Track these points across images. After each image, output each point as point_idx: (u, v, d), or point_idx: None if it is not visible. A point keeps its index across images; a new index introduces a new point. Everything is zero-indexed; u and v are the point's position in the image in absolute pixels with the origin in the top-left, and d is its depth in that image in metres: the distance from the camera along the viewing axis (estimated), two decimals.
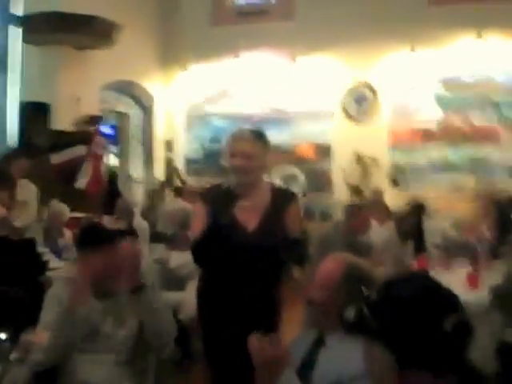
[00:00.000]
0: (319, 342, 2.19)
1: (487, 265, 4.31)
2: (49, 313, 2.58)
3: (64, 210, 6.27)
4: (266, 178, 3.07)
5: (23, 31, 8.67)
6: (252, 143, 2.88)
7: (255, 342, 1.87)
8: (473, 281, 3.96)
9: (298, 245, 2.89)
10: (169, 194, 9.88)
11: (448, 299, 1.45)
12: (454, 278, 4.23)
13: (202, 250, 2.89)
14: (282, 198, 2.91)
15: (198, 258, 2.95)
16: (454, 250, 5.11)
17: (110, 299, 2.58)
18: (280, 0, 11.05)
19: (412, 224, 4.95)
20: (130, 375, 2.55)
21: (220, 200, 2.89)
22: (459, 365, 1.41)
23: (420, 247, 4.84)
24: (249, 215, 2.85)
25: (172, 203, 8.59)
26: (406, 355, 1.38)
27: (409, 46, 9.53)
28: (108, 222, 4.49)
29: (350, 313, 1.56)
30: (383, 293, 1.48)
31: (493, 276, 3.85)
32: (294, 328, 5.08)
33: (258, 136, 2.93)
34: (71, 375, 2.48)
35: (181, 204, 7.71)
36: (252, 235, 2.84)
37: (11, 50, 9.09)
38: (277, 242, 2.78)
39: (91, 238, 2.60)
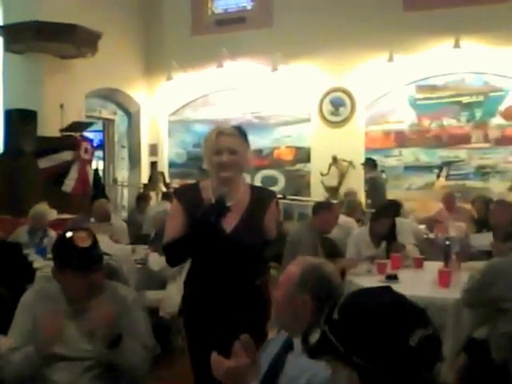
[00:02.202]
0: (288, 346, 2.07)
1: (459, 264, 4.24)
2: (19, 322, 2.45)
3: (47, 211, 6.20)
4: (245, 176, 2.95)
5: (4, 40, 8.60)
6: (237, 139, 2.74)
7: (215, 358, 1.84)
8: (444, 280, 3.90)
9: (276, 243, 2.83)
10: (153, 197, 9.83)
11: (414, 314, 1.35)
12: (427, 277, 4.18)
13: (173, 252, 2.76)
14: (261, 197, 2.78)
15: (169, 258, 2.83)
16: (427, 250, 5.07)
17: (83, 315, 2.42)
18: (256, 7, 11.07)
19: (386, 224, 4.87)
20: (103, 375, 2.41)
21: (197, 199, 2.76)
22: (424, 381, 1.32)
23: (393, 247, 4.76)
24: (228, 214, 2.67)
25: (157, 206, 8.52)
26: (371, 372, 1.29)
27: (385, 52, 9.54)
28: (95, 228, 4.33)
29: (314, 336, 1.45)
30: (346, 311, 1.38)
31: (464, 275, 3.78)
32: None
33: (241, 132, 2.78)
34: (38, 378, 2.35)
35: (164, 206, 7.65)
36: (230, 235, 2.70)
37: None
38: (254, 242, 2.67)
39: (65, 260, 2.42)
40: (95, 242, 2.41)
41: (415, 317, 1.34)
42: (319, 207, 4.78)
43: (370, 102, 9.98)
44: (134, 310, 2.52)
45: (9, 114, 8.47)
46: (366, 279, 4.23)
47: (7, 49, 8.65)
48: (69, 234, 2.40)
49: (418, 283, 4.16)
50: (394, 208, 5.33)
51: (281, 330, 2.20)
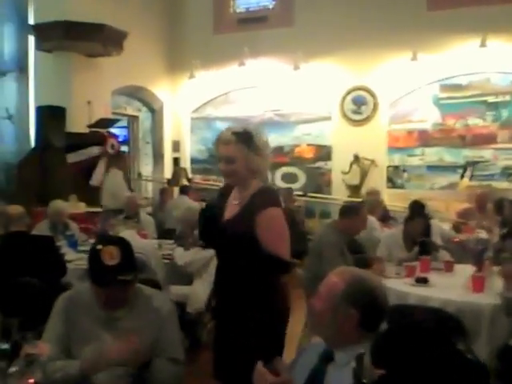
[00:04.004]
0: (327, 357, 1.99)
1: (491, 268, 4.10)
2: (52, 328, 2.36)
3: (64, 206, 6.31)
4: (259, 178, 2.77)
5: (36, 39, 8.70)
6: (233, 146, 2.63)
7: (261, 370, 1.80)
8: (478, 285, 3.77)
9: (279, 263, 2.62)
10: (175, 192, 9.86)
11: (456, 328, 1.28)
12: (458, 281, 4.06)
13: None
14: (255, 204, 2.66)
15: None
16: (454, 252, 4.94)
17: (116, 323, 2.35)
18: (278, 6, 10.92)
19: (420, 225, 4.73)
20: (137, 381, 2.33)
21: (225, 195, 2.85)
22: None
23: (425, 250, 4.62)
24: (231, 210, 2.75)
25: (178, 200, 8.51)
26: None
27: (409, 51, 9.37)
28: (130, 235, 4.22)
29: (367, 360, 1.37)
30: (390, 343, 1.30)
31: (497, 280, 3.66)
32: (295, 320, 4.98)
33: (241, 138, 2.64)
34: None
35: (187, 202, 7.68)
36: (225, 223, 2.73)
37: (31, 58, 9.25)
38: (239, 235, 2.63)
39: (90, 272, 2.34)
40: (125, 259, 2.27)
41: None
42: (347, 210, 4.63)
43: (393, 101, 9.81)
44: (168, 323, 2.42)
45: (40, 110, 8.57)
46: (396, 282, 4.13)
47: (38, 47, 8.75)
48: (98, 247, 2.29)
49: (449, 287, 4.03)
50: (423, 208, 5.20)
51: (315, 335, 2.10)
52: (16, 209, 4.68)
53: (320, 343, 2.05)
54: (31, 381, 1.79)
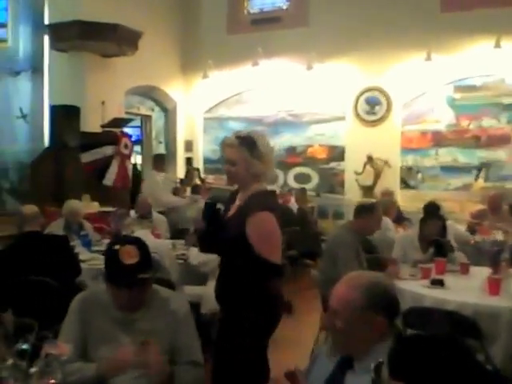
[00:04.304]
0: (346, 365, 1.94)
1: (507, 270, 4.05)
2: (68, 330, 2.33)
3: (79, 206, 6.30)
4: (263, 182, 2.87)
5: (50, 39, 8.72)
6: (236, 149, 2.76)
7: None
8: (494, 287, 3.72)
9: (268, 266, 2.68)
10: (188, 191, 9.86)
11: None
12: (474, 284, 4.01)
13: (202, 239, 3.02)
14: (248, 206, 2.76)
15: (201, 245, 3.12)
16: (470, 254, 4.88)
17: (134, 324, 2.33)
18: (292, 7, 10.89)
19: (436, 226, 4.68)
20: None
21: (235, 195, 2.96)
22: None
23: (439, 251, 4.57)
24: (232, 210, 2.89)
25: (188, 199, 8.54)
26: None
27: (423, 51, 9.29)
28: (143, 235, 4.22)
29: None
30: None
31: None
32: (310, 322, 4.96)
33: (244, 142, 2.75)
34: None
35: (200, 202, 7.67)
36: (225, 222, 2.86)
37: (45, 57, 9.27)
38: (236, 237, 2.72)
39: (109, 273, 2.32)
40: (143, 258, 2.25)
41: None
42: (362, 209, 4.60)
43: (406, 102, 9.74)
44: (185, 326, 2.40)
45: (54, 109, 8.58)
46: (411, 284, 4.09)
47: (52, 47, 8.77)
48: (116, 247, 2.26)
49: (465, 289, 3.97)
50: (438, 209, 5.15)
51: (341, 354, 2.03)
52: (30, 208, 4.67)
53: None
54: (52, 381, 1.78)
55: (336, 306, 1.90)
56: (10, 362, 1.82)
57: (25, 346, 1.84)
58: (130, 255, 2.21)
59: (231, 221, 2.83)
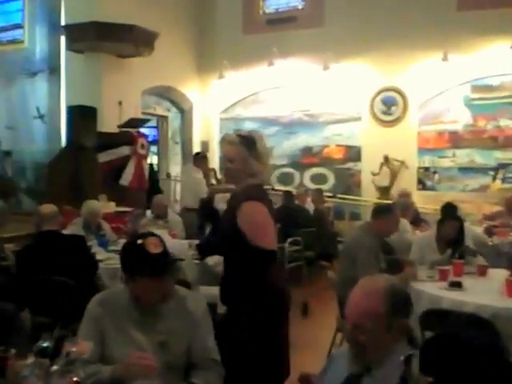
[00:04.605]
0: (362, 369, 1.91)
1: None
2: (85, 332, 2.32)
3: (99, 207, 6.30)
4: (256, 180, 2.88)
5: (67, 40, 8.76)
6: (234, 147, 2.81)
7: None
8: None
9: (262, 253, 2.72)
10: None
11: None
12: (492, 286, 3.98)
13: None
14: (236, 200, 2.82)
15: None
16: (490, 256, 4.85)
17: (153, 326, 2.35)
18: (307, 7, 10.88)
19: (453, 227, 4.64)
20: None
21: None
22: None
23: (458, 251, 4.53)
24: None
25: None
26: None
27: (439, 51, 9.26)
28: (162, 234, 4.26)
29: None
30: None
31: None
32: (326, 324, 4.95)
33: (244, 141, 2.80)
34: None
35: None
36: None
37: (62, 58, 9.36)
38: (228, 229, 2.78)
39: (138, 267, 2.34)
40: (166, 248, 2.31)
41: None
42: (381, 210, 4.58)
43: (423, 102, 9.71)
44: (203, 325, 2.41)
45: (71, 110, 8.62)
46: (429, 285, 4.07)
47: (69, 48, 8.80)
48: (139, 241, 2.29)
49: (483, 292, 3.93)
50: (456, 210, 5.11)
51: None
52: (49, 208, 4.71)
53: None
54: (75, 379, 1.80)
55: (356, 320, 1.85)
56: (31, 360, 1.84)
57: (46, 344, 1.86)
58: (155, 245, 2.26)
59: (223, 215, 2.92)
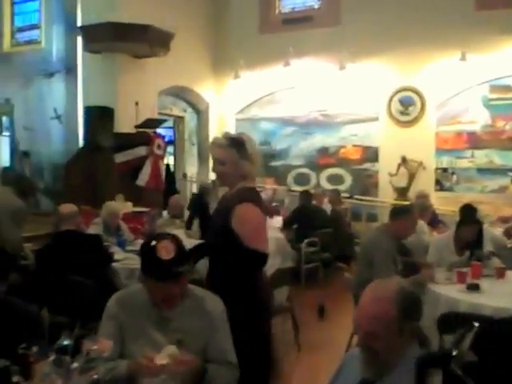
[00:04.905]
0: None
1: None
2: (104, 330, 2.36)
3: (118, 208, 6.35)
4: (249, 182, 2.93)
5: (83, 40, 8.85)
6: (224, 150, 2.85)
7: None
8: None
9: (255, 255, 2.76)
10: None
11: None
12: (511, 289, 3.96)
13: None
14: (231, 200, 2.85)
15: None
16: (508, 258, 4.81)
17: (170, 324, 2.36)
18: (324, 6, 10.87)
19: (473, 230, 4.61)
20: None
21: None
22: None
23: (475, 254, 4.51)
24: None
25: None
26: None
27: (457, 51, 9.21)
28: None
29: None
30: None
31: None
32: (343, 325, 4.94)
33: (233, 143, 2.84)
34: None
35: None
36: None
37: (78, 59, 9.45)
38: (220, 230, 2.82)
39: (147, 269, 2.33)
40: (179, 252, 2.28)
41: None
42: (399, 211, 4.57)
43: (441, 102, 9.66)
44: (220, 326, 2.42)
45: (88, 110, 8.72)
46: (447, 288, 4.06)
47: (85, 48, 8.90)
48: (153, 243, 2.30)
49: (502, 294, 3.92)
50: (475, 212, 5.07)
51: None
52: (68, 208, 4.78)
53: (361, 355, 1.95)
54: (96, 376, 1.83)
55: (368, 328, 1.83)
56: (51, 357, 1.87)
57: (66, 342, 1.89)
58: (167, 250, 2.27)
59: (215, 214, 2.98)
